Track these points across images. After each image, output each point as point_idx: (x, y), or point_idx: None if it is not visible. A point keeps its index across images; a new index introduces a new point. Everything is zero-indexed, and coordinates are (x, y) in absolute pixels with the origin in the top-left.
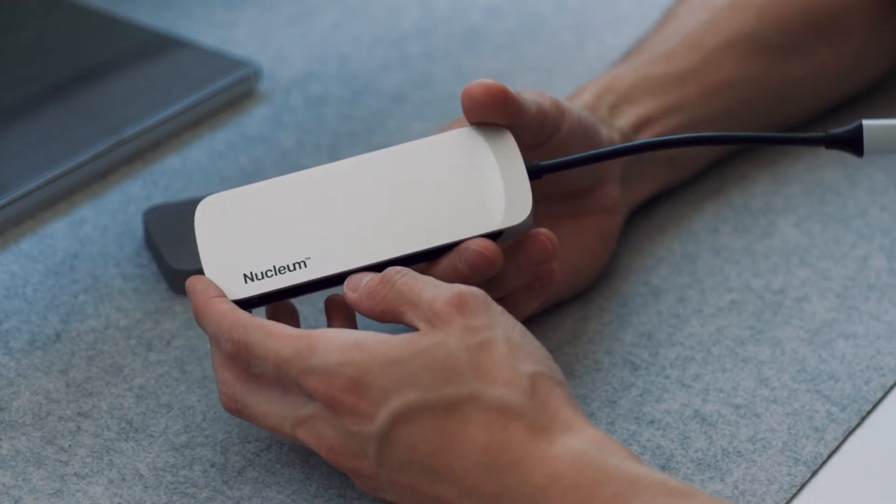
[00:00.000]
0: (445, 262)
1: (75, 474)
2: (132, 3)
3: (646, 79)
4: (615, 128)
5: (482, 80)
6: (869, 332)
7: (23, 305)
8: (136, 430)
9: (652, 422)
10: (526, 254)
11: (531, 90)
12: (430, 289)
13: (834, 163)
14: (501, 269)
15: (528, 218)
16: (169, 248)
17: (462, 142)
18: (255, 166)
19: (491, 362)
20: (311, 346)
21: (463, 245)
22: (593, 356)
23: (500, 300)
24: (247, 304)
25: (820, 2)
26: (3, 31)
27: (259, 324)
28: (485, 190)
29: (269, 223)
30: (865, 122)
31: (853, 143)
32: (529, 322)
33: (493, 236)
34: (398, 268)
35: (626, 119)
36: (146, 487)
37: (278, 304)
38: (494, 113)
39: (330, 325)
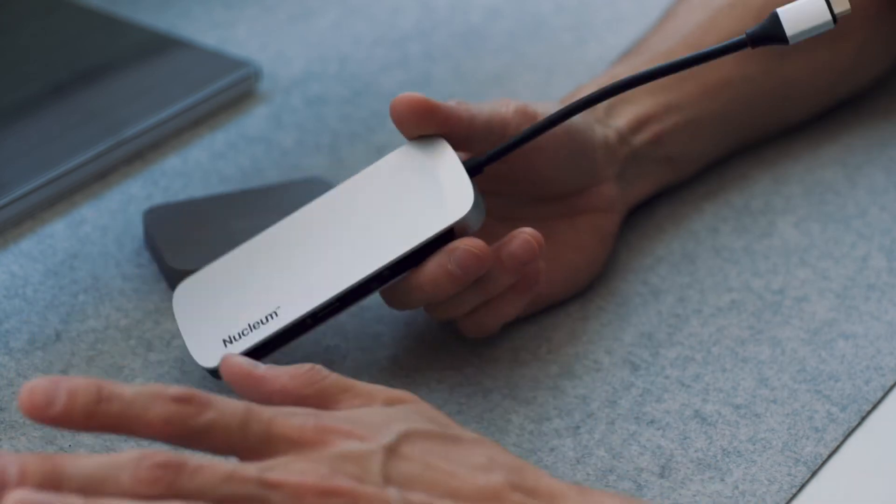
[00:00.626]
0: (433, 264)
1: None
2: (132, 3)
3: None
4: (612, 127)
5: (405, 94)
6: (869, 332)
7: (23, 305)
8: None
9: (652, 422)
10: (511, 254)
11: (495, 99)
12: (365, 385)
13: (834, 163)
14: (490, 272)
15: (472, 210)
16: (169, 248)
17: (401, 159)
18: (255, 166)
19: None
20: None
21: (451, 246)
22: (593, 356)
23: (485, 302)
24: None
25: None
26: (3, 31)
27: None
28: (427, 195)
29: (237, 289)
30: (779, 9)
31: (775, 34)
32: (529, 322)
33: (447, 237)
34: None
35: (623, 119)
36: None
37: None
38: (422, 125)
39: None
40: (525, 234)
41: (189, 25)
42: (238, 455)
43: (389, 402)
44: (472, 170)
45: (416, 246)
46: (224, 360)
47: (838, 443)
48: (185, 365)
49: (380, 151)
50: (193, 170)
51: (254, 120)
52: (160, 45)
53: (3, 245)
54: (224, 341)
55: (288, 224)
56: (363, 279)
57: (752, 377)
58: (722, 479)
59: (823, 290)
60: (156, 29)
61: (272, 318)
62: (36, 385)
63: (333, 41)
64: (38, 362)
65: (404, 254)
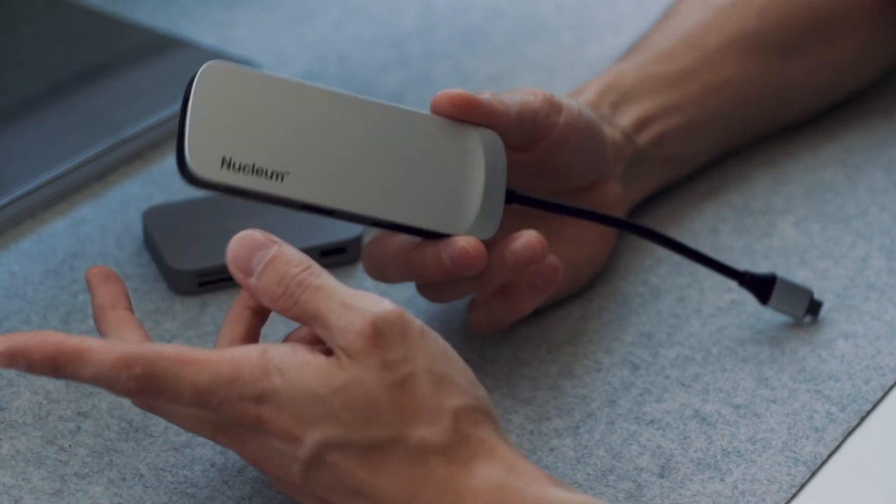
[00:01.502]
0: (430, 250)
1: (75, 474)
2: (132, 3)
3: (647, 77)
4: (617, 126)
5: (446, 90)
6: (869, 331)
7: (23, 305)
8: (136, 430)
9: (652, 422)
10: (514, 253)
11: (521, 89)
12: (340, 313)
13: (834, 163)
14: (489, 266)
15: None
16: (169, 248)
17: (461, 131)
18: None
19: (412, 402)
20: (234, 372)
21: (451, 239)
22: (593, 356)
23: (504, 294)
24: (211, 187)
25: (820, 1)
26: (3, 31)
27: (158, 350)
28: (465, 191)
29: (265, 119)
30: (778, 277)
31: (763, 291)
32: (529, 322)
33: (448, 235)
34: (302, 274)
35: (627, 118)
36: (146, 487)
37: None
38: (466, 119)
39: (228, 331)
40: (529, 236)
41: (189, 25)
42: None
43: (343, 350)
44: (507, 196)
45: (421, 227)
46: (229, 252)
47: (838, 443)
48: None
49: None
50: None
51: None
52: (160, 45)
53: (3, 245)
54: (223, 160)
55: (347, 101)
56: (365, 215)
57: (752, 377)
58: (722, 479)
59: (823, 290)
60: (156, 29)
61: (276, 178)
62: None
63: (333, 41)
64: None
65: (409, 224)
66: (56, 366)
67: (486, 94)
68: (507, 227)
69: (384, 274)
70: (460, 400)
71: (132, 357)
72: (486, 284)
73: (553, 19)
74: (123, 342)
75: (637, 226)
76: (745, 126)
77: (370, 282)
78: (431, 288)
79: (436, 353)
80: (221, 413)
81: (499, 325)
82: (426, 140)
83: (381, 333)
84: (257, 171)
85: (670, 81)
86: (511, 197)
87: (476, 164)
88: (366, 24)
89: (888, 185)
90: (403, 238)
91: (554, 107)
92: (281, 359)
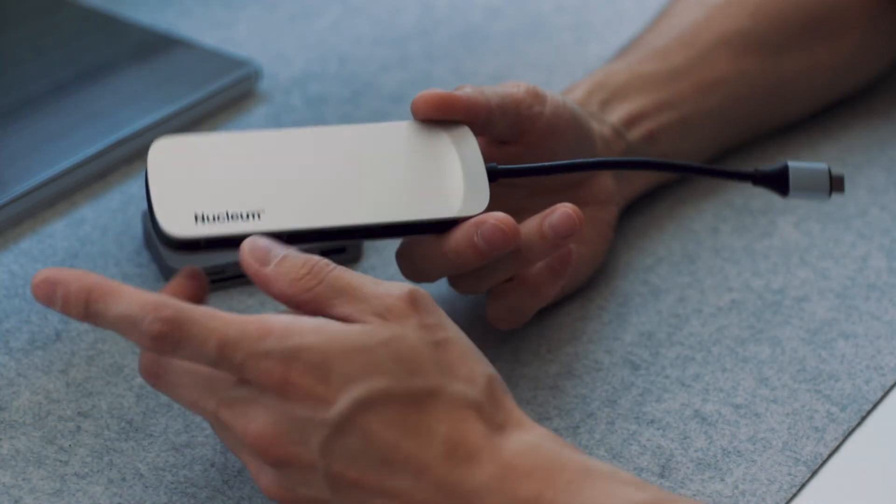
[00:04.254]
0: (460, 234)
1: (75, 474)
2: (132, 3)
3: (639, 75)
4: (606, 123)
5: (423, 92)
6: (869, 331)
7: (23, 305)
8: (136, 430)
9: (652, 422)
10: (552, 226)
11: (504, 83)
12: (373, 285)
13: (834, 163)
14: (528, 243)
15: (484, 211)
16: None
17: (425, 131)
18: None
19: (450, 360)
20: (264, 329)
21: (480, 219)
22: (593, 356)
23: (524, 282)
24: (192, 244)
25: (818, 2)
26: (3, 31)
27: (195, 305)
28: (445, 178)
29: (225, 171)
30: (790, 163)
31: (779, 183)
32: (529, 322)
33: (448, 224)
34: (324, 260)
35: (617, 114)
36: (146, 487)
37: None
38: (445, 118)
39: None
40: (566, 208)
41: (189, 25)
42: None
43: (380, 316)
44: (490, 174)
45: (414, 220)
46: (247, 242)
47: (838, 442)
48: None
49: None
50: None
51: (254, 119)
52: (160, 44)
53: (3, 245)
54: (196, 216)
55: (297, 134)
56: (351, 226)
57: (752, 377)
58: (722, 479)
59: (823, 290)
60: (156, 29)
61: (253, 217)
62: (37, 284)
63: (333, 41)
64: (38, 362)
65: (400, 221)
66: (88, 301)
67: (466, 89)
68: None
69: (425, 275)
70: (490, 368)
71: (163, 302)
72: (528, 261)
73: (553, 19)
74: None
75: (628, 160)
76: (741, 124)
77: None
78: (467, 278)
79: (461, 332)
80: (242, 372)
81: (520, 317)
82: (393, 147)
83: (417, 300)
84: (232, 217)
85: (663, 79)
86: (496, 174)
87: (448, 153)
88: (366, 24)
89: (888, 185)
90: (429, 237)
91: (538, 97)
92: (315, 322)
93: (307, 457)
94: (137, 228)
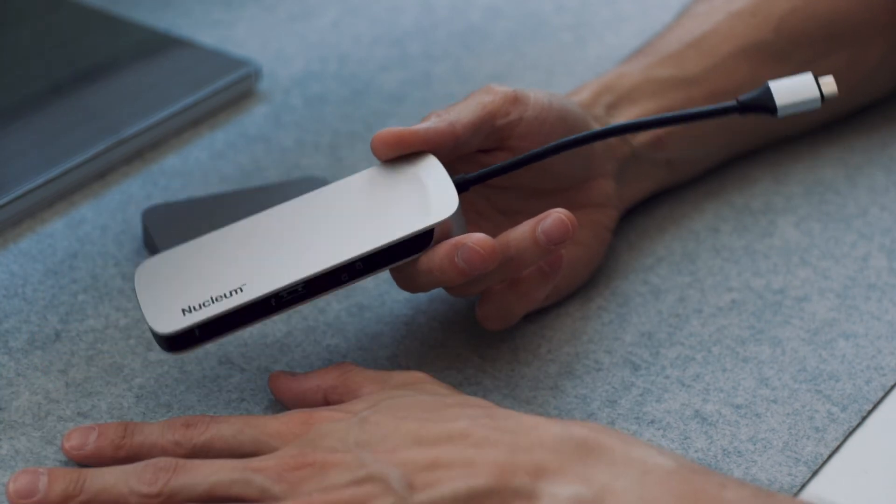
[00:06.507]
0: (442, 253)
1: None
2: (132, 2)
3: (650, 80)
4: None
5: (380, 132)
6: (869, 331)
7: (22, 305)
8: None
9: (652, 422)
10: (545, 231)
11: (480, 89)
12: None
13: (834, 162)
14: (521, 248)
15: (454, 215)
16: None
17: (388, 168)
18: (255, 165)
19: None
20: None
21: (460, 240)
22: (593, 356)
23: (514, 285)
24: (188, 336)
25: (842, 17)
26: (3, 31)
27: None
28: (410, 199)
29: (205, 268)
30: (771, 82)
31: (765, 104)
32: (529, 322)
33: (425, 239)
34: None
35: (623, 118)
36: None
37: None
38: (405, 153)
39: None
40: (559, 213)
41: (189, 25)
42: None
43: (402, 385)
44: (460, 185)
45: (391, 242)
46: (271, 375)
47: (839, 443)
48: (185, 365)
49: None
50: (193, 169)
51: (253, 119)
52: (160, 44)
53: (2, 245)
54: (183, 310)
55: (265, 215)
56: (332, 267)
57: (753, 377)
58: None
59: (824, 290)
60: (156, 28)
61: (236, 293)
62: (72, 433)
63: (333, 41)
64: (37, 362)
65: (378, 248)
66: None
67: (431, 119)
68: (507, 227)
69: (418, 287)
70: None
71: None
72: (521, 267)
73: (553, 19)
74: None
75: (587, 134)
76: (750, 133)
77: (364, 282)
78: (460, 284)
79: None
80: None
81: (510, 318)
82: (360, 193)
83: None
84: (216, 299)
85: (675, 85)
86: (467, 183)
87: (412, 179)
88: (366, 23)
89: (888, 184)
90: (415, 258)
91: (517, 102)
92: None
93: (341, 458)
94: (137, 228)
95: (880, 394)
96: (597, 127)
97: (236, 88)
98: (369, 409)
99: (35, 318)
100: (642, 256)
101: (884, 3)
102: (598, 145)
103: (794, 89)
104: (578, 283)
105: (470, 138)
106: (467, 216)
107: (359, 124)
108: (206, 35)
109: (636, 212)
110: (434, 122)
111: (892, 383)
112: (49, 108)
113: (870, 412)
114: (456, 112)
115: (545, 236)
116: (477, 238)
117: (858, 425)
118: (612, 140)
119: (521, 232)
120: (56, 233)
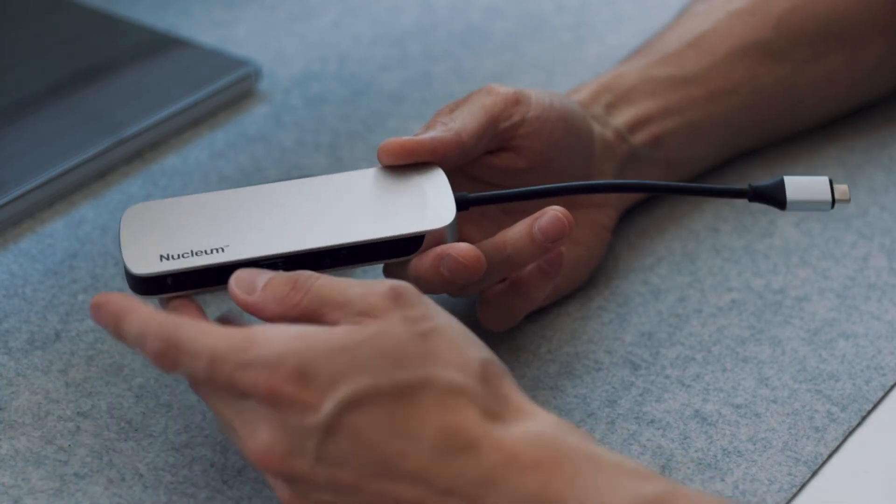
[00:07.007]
0: (429, 261)
1: (75, 474)
2: (132, 3)
3: (649, 79)
4: (610, 126)
5: (386, 141)
6: (869, 331)
7: (22, 305)
8: (136, 430)
9: (652, 422)
10: (542, 229)
11: (481, 90)
12: (357, 286)
13: (834, 163)
14: (518, 246)
15: (449, 226)
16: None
17: (392, 172)
18: (255, 165)
19: (438, 349)
20: (249, 339)
21: (444, 250)
22: (593, 356)
23: (514, 284)
24: (159, 282)
25: (841, 16)
26: (3, 31)
27: (189, 321)
28: (409, 202)
29: (192, 222)
30: (786, 178)
31: (776, 197)
32: (529, 322)
33: (414, 243)
34: (308, 272)
35: (622, 118)
36: (146, 487)
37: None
38: (411, 162)
39: None
40: (556, 211)
41: (189, 25)
42: None
43: (365, 315)
44: (460, 203)
45: (379, 239)
46: (233, 276)
47: (839, 443)
48: None
49: None
50: (193, 169)
51: (253, 119)
52: (160, 44)
53: (2, 245)
54: (161, 256)
55: (267, 187)
56: (316, 248)
57: (753, 377)
58: (722, 479)
59: (824, 290)
60: (156, 28)
61: (216, 252)
62: (91, 306)
63: (333, 41)
64: (37, 361)
65: (365, 241)
66: (116, 322)
67: (436, 128)
68: (508, 226)
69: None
70: (486, 353)
71: (161, 321)
72: (519, 265)
73: (553, 19)
74: (170, 314)
75: (604, 184)
76: (750, 131)
77: None
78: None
79: (452, 318)
80: (233, 385)
81: (511, 318)
82: (360, 186)
83: (401, 294)
84: (196, 253)
85: (674, 84)
86: (467, 202)
87: (413, 182)
88: (366, 23)
89: (888, 184)
90: (402, 261)
91: (518, 103)
92: (298, 327)
93: (306, 466)
94: None
95: (880, 394)
96: (596, 127)
97: (236, 88)
98: (332, 411)
99: (35, 318)
100: (642, 256)
101: (883, 3)
102: (598, 145)
103: (807, 188)
104: (578, 282)
105: (476, 145)
106: (470, 214)
107: (359, 124)
108: (206, 35)
109: (636, 212)
110: (440, 131)
111: (892, 383)
112: (49, 108)
113: (870, 412)
114: (461, 119)
115: (542, 234)
116: (461, 248)
117: (858, 425)
118: (612, 140)
119: (518, 230)
120: (56, 233)
